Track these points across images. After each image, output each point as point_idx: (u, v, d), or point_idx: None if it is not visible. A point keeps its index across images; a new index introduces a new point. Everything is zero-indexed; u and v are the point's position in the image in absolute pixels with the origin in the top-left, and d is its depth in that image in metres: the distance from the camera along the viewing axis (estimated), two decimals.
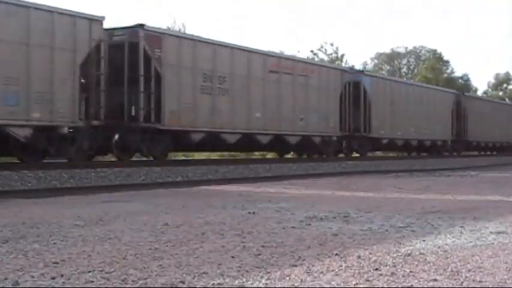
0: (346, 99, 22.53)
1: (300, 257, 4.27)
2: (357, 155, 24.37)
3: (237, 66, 17.71)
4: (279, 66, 19.48)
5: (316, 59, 46.99)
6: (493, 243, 5.00)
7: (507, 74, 67.61)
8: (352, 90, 23.05)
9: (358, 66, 53.59)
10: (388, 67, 62.01)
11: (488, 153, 37.56)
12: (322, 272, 3.80)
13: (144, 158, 16.98)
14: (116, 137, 15.33)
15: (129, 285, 3.45)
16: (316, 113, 20.90)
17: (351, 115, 22.90)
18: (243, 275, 3.70)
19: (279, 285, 3.47)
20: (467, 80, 63.22)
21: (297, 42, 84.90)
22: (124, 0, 68.02)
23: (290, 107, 19.77)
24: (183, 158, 23.63)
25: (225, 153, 26.13)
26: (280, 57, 20.36)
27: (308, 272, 3.79)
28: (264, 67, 18.83)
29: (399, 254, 4.45)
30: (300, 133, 20.19)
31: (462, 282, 3.59)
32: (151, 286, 3.44)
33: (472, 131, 32.97)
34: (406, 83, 30.86)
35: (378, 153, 33.62)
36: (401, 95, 26.37)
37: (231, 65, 17.52)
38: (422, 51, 63.14)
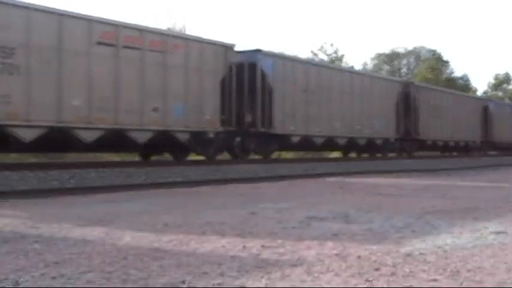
0: (232, 84, 17.37)
1: (300, 257, 4.28)
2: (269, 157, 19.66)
3: (37, 34, 12.82)
4: (117, 37, 14.46)
5: (316, 59, 46.91)
6: (492, 243, 5.00)
7: (507, 74, 67.66)
8: (247, 73, 18.16)
9: (358, 67, 53.64)
10: (388, 67, 62.02)
11: (455, 153, 32.33)
12: (322, 272, 3.80)
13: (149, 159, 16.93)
14: None
15: (129, 285, 3.46)
16: (182, 101, 15.92)
17: (244, 105, 18.07)
18: (243, 275, 3.70)
19: (279, 285, 3.48)
20: (467, 80, 63.23)
21: (297, 42, 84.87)
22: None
23: (136, 93, 14.71)
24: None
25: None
26: (117, 25, 14.72)
27: (308, 272, 3.80)
28: (88, 37, 13.85)
29: (399, 254, 4.46)
30: (152, 128, 15.15)
31: (462, 282, 3.60)
32: (152, 286, 3.44)
33: (424, 128, 27.50)
34: (329, 67, 23.91)
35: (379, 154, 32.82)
36: (321, 82, 21.13)
37: (25, 31, 12.63)
38: (422, 52, 63.13)
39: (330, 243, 4.90)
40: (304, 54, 48.30)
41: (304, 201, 8.59)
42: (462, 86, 57.55)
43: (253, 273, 3.76)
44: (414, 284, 3.54)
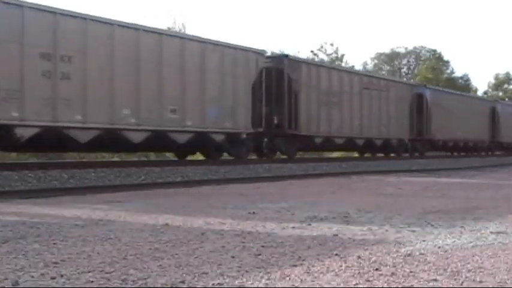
0: None
1: (300, 257, 4.27)
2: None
3: None
4: None
5: (316, 59, 46.87)
6: (493, 243, 5.00)
7: (507, 74, 67.66)
8: None
9: (358, 67, 53.57)
10: (388, 67, 62.03)
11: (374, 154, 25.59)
12: (322, 272, 3.80)
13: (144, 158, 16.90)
14: None
15: (129, 285, 3.45)
16: None
17: None
18: (243, 275, 3.70)
19: (279, 285, 3.47)
20: (467, 80, 63.24)
21: (297, 42, 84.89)
22: None
23: None
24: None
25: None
26: None
27: (308, 272, 3.79)
28: None
29: (399, 254, 4.45)
30: None
31: (462, 283, 3.59)
32: (151, 286, 3.44)
33: (311, 120, 20.14)
34: (105, 22, 14.27)
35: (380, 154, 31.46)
36: (88, 44, 13.59)
37: None
38: (422, 51, 63.15)
39: (330, 243, 4.90)
40: (304, 54, 48.22)
41: (304, 201, 8.58)
42: (462, 85, 57.56)
43: (253, 273, 3.75)
44: (414, 284, 3.53)
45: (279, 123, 18.99)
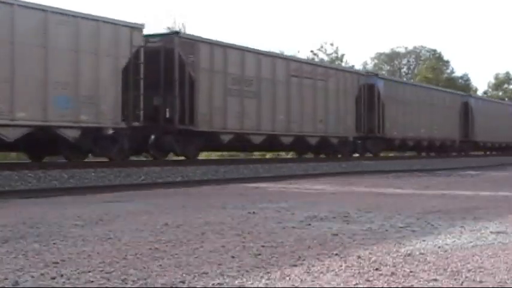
0: None
1: (300, 257, 4.27)
2: None
3: None
4: None
5: (316, 59, 46.79)
6: (493, 243, 4.99)
7: (507, 74, 67.65)
8: None
9: (358, 66, 53.55)
10: (388, 67, 62.03)
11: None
12: (322, 272, 3.80)
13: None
14: None
15: (129, 285, 3.45)
16: None
17: None
18: (243, 275, 3.70)
19: (279, 285, 3.47)
20: (467, 80, 63.24)
21: (297, 42, 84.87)
22: None
23: None
24: (183, 158, 23.51)
25: (225, 153, 25.98)
26: None
27: (308, 272, 3.79)
28: None
29: (399, 254, 4.45)
30: None
31: (462, 282, 3.59)
32: (151, 286, 3.44)
33: (212, 114, 16.61)
34: None
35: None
36: None
37: None
38: (422, 51, 63.17)
39: (330, 243, 4.90)
40: (304, 54, 48.18)
41: (304, 201, 8.58)
42: (463, 85, 57.56)
43: (253, 273, 3.75)
44: (414, 284, 3.53)
45: (171, 116, 15.59)
